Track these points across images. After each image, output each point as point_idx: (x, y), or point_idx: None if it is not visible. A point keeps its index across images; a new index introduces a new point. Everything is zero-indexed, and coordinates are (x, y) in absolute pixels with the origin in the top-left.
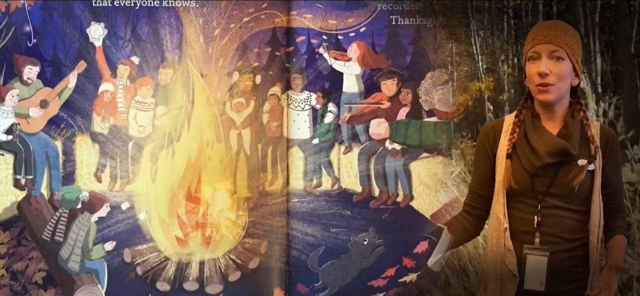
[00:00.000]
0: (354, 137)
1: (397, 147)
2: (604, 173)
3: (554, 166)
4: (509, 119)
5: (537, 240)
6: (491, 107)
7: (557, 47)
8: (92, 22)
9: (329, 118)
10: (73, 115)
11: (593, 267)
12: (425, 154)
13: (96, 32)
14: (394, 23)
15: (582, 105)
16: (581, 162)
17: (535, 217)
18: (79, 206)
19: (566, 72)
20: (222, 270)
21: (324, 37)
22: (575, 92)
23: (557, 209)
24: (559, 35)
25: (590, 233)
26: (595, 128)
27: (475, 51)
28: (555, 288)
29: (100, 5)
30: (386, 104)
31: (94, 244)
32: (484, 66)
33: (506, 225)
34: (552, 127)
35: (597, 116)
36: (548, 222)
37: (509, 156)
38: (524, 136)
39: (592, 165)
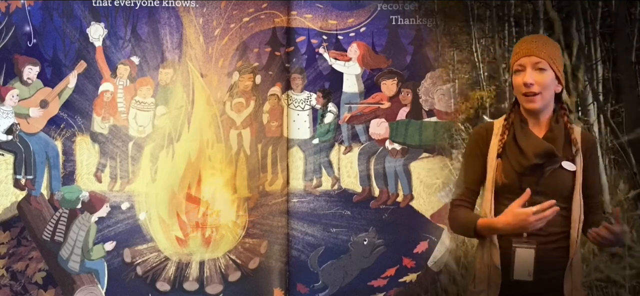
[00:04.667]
0: (354, 137)
1: (397, 147)
2: (584, 174)
3: (539, 166)
4: (498, 122)
5: (525, 234)
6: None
7: (539, 59)
8: (92, 22)
9: (329, 118)
10: (73, 115)
11: (572, 257)
12: (425, 154)
13: (96, 32)
14: (394, 23)
15: (565, 111)
16: (566, 164)
17: None
18: (79, 206)
19: (548, 81)
20: (222, 270)
21: (324, 37)
22: (559, 98)
23: None
24: (539, 47)
25: (571, 227)
26: (577, 133)
27: (476, 59)
28: (541, 277)
29: (100, 5)
30: (386, 104)
31: (94, 244)
32: (485, 74)
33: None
34: (538, 131)
35: (599, 123)
36: None
37: (499, 156)
38: (512, 138)
39: (573, 166)
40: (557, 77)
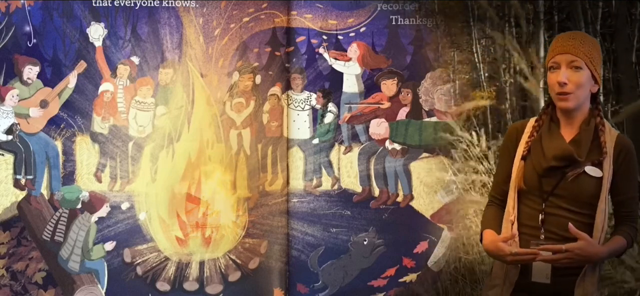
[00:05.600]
0: (354, 137)
1: (397, 147)
2: (614, 181)
3: (561, 169)
4: (531, 122)
5: (542, 236)
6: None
7: (575, 57)
8: (92, 22)
9: (329, 118)
10: (73, 115)
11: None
12: (425, 154)
13: (96, 32)
14: (394, 23)
15: (600, 111)
16: (590, 169)
17: (539, 215)
18: (79, 206)
19: (584, 81)
20: (222, 270)
21: (324, 37)
22: (595, 98)
23: (560, 209)
24: (577, 45)
25: (593, 236)
26: (611, 136)
27: (477, 59)
28: (557, 281)
29: (100, 5)
30: (386, 104)
31: (94, 244)
32: (486, 74)
33: (512, 218)
34: (570, 132)
35: None
36: (551, 220)
37: (523, 157)
38: (539, 139)
39: (599, 172)
40: (593, 77)
